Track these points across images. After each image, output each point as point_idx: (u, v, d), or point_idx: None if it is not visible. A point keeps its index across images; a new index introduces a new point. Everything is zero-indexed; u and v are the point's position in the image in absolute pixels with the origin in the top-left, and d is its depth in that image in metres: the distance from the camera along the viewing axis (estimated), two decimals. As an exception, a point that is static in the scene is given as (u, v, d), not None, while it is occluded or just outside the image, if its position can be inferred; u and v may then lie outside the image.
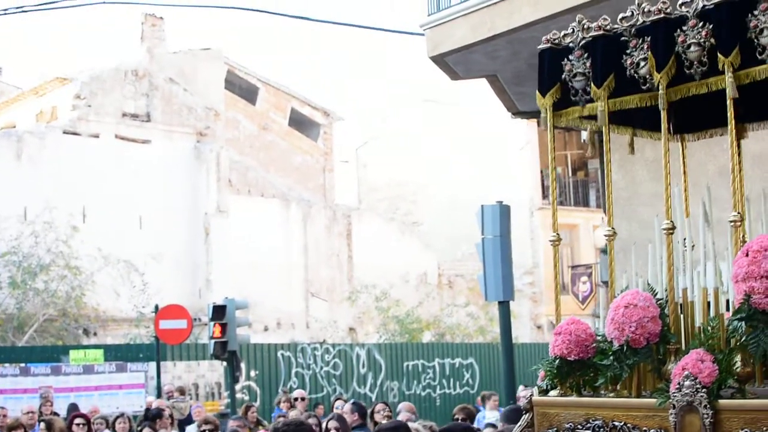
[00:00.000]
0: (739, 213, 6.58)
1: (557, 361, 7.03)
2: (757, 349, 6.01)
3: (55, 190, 33.14)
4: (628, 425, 6.58)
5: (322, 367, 30.99)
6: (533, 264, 43.50)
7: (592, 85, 7.16)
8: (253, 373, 29.11)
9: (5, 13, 21.58)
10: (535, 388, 7.35)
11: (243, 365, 27.26)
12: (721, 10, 6.50)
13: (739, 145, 7.82)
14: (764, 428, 5.85)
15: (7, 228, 31.94)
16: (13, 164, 34.09)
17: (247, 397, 27.35)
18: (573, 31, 7.31)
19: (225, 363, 24.93)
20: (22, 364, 25.33)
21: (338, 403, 19.19)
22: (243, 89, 45.44)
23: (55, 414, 18.99)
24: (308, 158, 46.89)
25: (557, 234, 7.12)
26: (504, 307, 18.10)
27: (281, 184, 42.47)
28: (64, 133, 35.88)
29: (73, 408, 21.16)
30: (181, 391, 24.32)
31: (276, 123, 46.20)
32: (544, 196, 43.64)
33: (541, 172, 43.86)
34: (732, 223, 6.60)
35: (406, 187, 48.53)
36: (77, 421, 16.42)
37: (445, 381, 33.21)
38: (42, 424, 15.62)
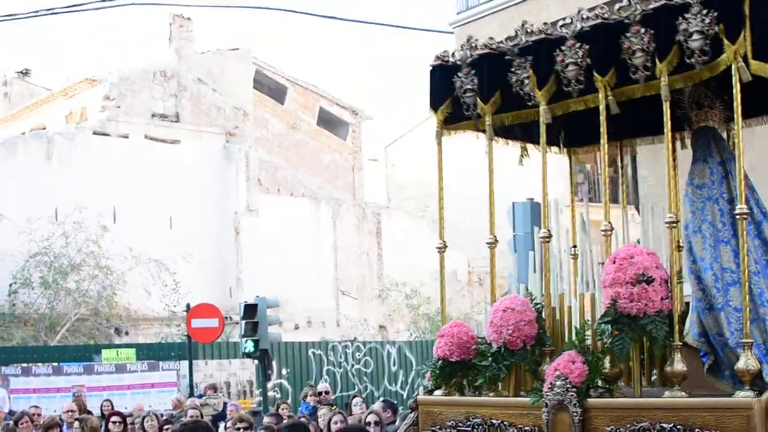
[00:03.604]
0: (609, 222, 6.94)
1: (440, 362, 7.46)
2: (621, 351, 6.43)
3: (85, 191, 33.25)
4: (505, 423, 6.96)
5: (353, 365, 31.03)
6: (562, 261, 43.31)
7: (479, 100, 7.50)
8: (284, 372, 29.18)
9: (35, 15, 21.73)
10: (422, 387, 7.74)
11: (274, 363, 27.29)
12: (597, 32, 6.79)
13: (623, 158, 8.79)
14: (628, 425, 6.25)
15: (38, 228, 32.08)
16: (44, 165, 34.26)
17: (278, 395, 27.38)
18: (462, 48, 7.65)
19: (256, 361, 24.98)
20: (55, 364, 25.49)
21: (356, 400, 18.89)
22: (271, 89, 45.51)
23: (89, 413, 19.07)
24: (337, 157, 46.93)
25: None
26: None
27: (310, 183, 42.50)
28: (94, 134, 36.02)
29: (107, 403, 21.21)
30: (213, 388, 24.42)
31: (305, 122, 46.26)
32: (573, 193, 43.44)
33: (570, 169, 43.66)
34: (603, 233, 6.96)
35: (434, 184, 48.45)
36: (114, 419, 16.52)
37: (476, 378, 33.12)
38: (76, 423, 15.69)
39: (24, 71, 48.99)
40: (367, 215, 42.49)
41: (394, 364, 31.78)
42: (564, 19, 7.08)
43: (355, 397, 21.05)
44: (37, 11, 22.60)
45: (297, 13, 24.11)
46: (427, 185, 49.54)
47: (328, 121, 47.01)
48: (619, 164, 9.16)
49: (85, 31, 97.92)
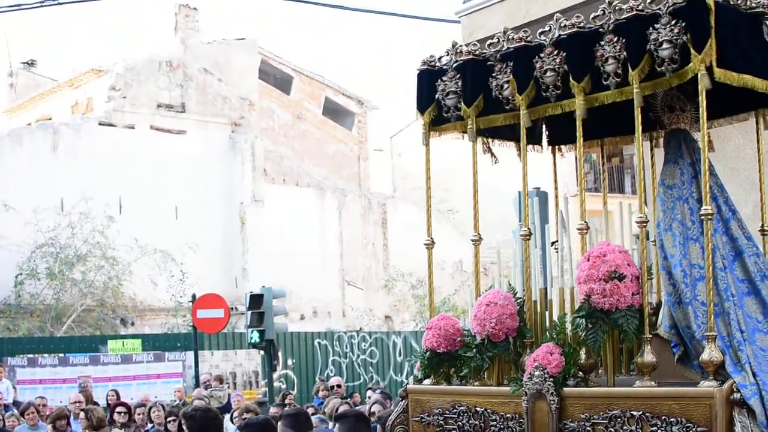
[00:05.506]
0: (585, 222, 7.27)
1: (428, 353, 7.85)
2: (594, 344, 6.82)
3: (91, 181, 33.30)
4: (488, 411, 7.37)
5: (358, 356, 31.06)
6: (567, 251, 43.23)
7: (462, 104, 7.77)
8: (290, 362, 29.21)
9: (41, 5, 21.68)
10: (412, 376, 8.00)
11: (280, 354, 27.32)
12: (573, 40, 7.10)
13: (604, 155, 9.35)
14: (601, 413, 6.66)
15: (44, 219, 32.14)
16: (50, 156, 34.30)
17: (284, 386, 27.45)
18: (447, 53, 7.93)
19: (262, 352, 24.99)
20: (61, 354, 25.55)
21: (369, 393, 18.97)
22: (277, 79, 45.50)
23: (95, 403, 19.09)
24: (343, 147, 46.92)
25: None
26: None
27: (316, 173, 42.51)
28: (100, 124, 36.07)
29: (112, 393, 21.23)
30: (219, 380, 24.44)
31: (310, 112, 46.25)
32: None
33: (575, 159, 43.56)
34: (579, 231, 7.31)
35: (441, 174, 48.42)
36: (119, 409, 16.55)
37: (482, 368, 33.10)
38: (82, 414, 15.69)
39: (30, 62, 48.94)
40: (373, 205, 42.50)
41: (399, 355, 31.81)
42: (543, 26, 7.31)
43: (372, 388, 21.07)
44: (42, 1, 22.51)
45: (302, 2, 24.00)
46: (433, 176, 49.51)
47: (333, 111, 47.00)
48: (601, 160, 9.37)
49: (91, 22, 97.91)
